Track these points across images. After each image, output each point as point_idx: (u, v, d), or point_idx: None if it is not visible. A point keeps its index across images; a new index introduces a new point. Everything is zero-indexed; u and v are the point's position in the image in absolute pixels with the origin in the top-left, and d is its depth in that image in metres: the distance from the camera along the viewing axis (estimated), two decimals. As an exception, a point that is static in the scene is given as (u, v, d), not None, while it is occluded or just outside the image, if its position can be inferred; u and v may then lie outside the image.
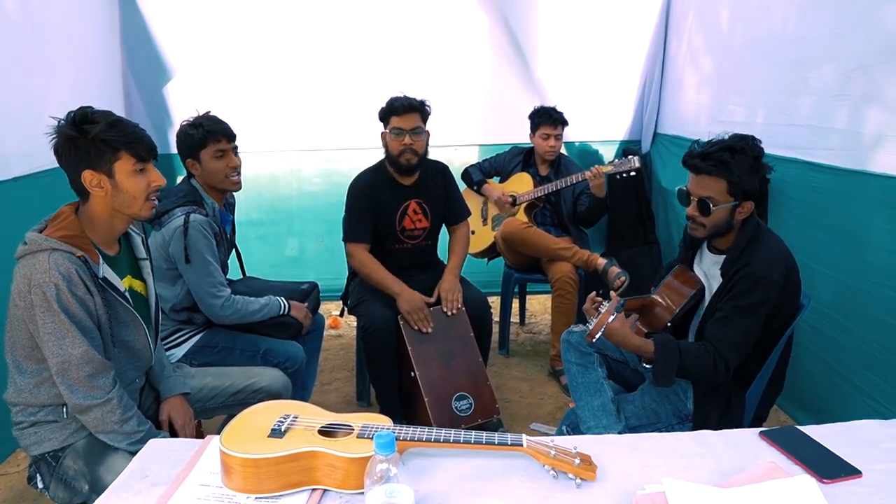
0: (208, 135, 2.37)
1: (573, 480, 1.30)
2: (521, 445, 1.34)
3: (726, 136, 2.03)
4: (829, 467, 1.35)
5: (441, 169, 3.04)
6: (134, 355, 1.84)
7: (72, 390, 1.65)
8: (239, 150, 2.48)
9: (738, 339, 1.96)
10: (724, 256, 2.07)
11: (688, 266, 2.26)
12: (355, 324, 3.14)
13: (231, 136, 2.43)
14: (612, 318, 1.94)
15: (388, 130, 2.82)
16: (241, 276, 2.80)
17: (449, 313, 2.81)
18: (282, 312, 2.53)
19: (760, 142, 2.01)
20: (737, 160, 1.95)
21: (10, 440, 1.85)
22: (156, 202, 1.76)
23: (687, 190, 2.06)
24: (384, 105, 2.84)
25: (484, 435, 1.37)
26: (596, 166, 3.41)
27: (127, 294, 1.76)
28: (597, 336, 1.95)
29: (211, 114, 2.45)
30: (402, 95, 2.82)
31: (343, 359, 3.74)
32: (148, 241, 1.99)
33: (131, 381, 1.88)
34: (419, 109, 2.80)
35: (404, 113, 2.78)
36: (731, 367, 1.96)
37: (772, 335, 2.03)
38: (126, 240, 1.87)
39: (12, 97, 2.79)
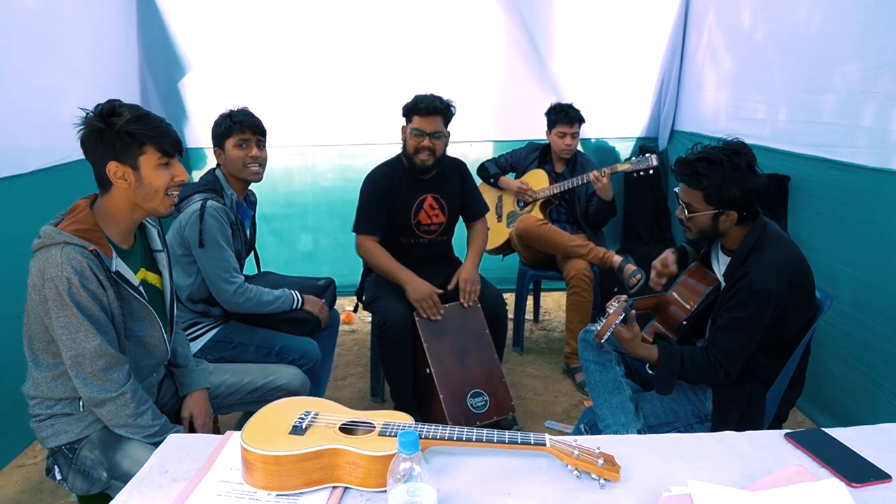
0: (234, 125, 2.42)
1: (597, 481, 1.29)
2: (545, 445, 1.33)
3: (721, 143, 2.03)
4: (858, 471, 1.32)
5: (458, 165, 3.02)
6: (149, 350, 1.84)
7: (86, 384, 1.65)
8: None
9: (736, 349, 1.98)
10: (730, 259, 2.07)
11: (704, 263, 2.24)
12: (369, 319, 3.13)
13: (256, 129, 2.46)
14: (620, 318, 1.94)
15: (409, 128, 2.80)
16: (257, 272, 2.79)
17: (466, 305, 2.80)
18: (294, 307, 2.52)
19: (750, 152, 1.99)
20: (711, 172, 1.95)
21: (27, 432, 1.86)
22: (175, 199, 1.77)
23: (677, 192, 2.09)
24: (410, 101, 2.80)
25: (507, 434, 1.36)
26: (596, 170, 3.39)
27: (141, 288, 1.76)
28: (605, 337, 1.95)
29: (247, 108, 2.49)
30: (429, 95, 2.78)
31: (357, 354, 3.74)
32: (167, 227, 1.99)
33: (148, 375, 1.88)
34: (443, 112, 2.76)
35: (427, 115, 2.74)
36: (731, 374, 1.99)
37: (792, 336, 2.01)
38: (141, 232, 1.87)
39: (29, 92, 2.80)
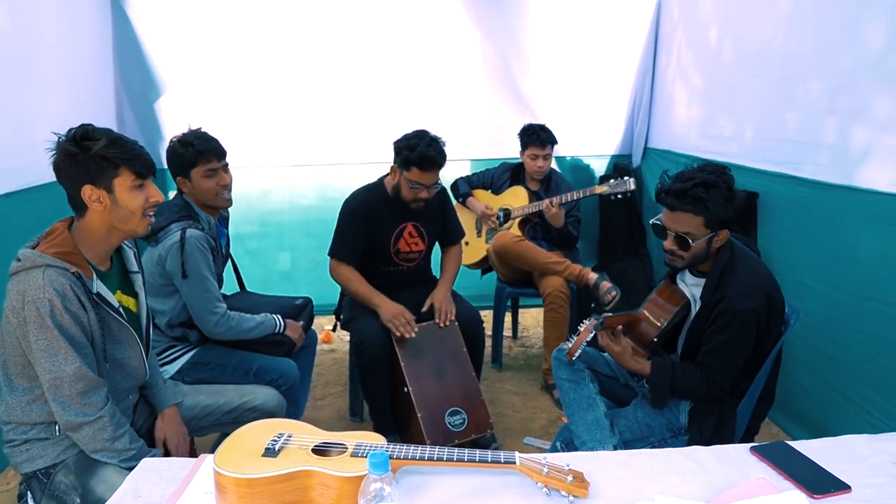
0: (199, 155, 2.35)
1: (566, 498, 1.31)
2: (514, 463, 1.35)
3: (694, 167, 2.05)
4: (819, 482, 1.36)
5: (439, 191, 2.98)
6: (127, 372, 1.84)
7: (64, 407, 1.65)
8: (231, 166, 2.47)
9: (728, 367, 2.04)
10: (703, 280, 2.11)
11: (673, 282, 2.29)
12: (348, 338, 3.14)
13: (221, 154, 2.41)
14: (590, 335, 1.98)
15: (405, 176, 2.71)
16: (239, 290, 2.79)
17: (442, 325, 2.81)
18: (277, 331, 2.53)
19: (730, 170, 2.03)
20: (711, 195, 1.96)
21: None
22: (152, 218, 1.78)
23: (663, 224, 2.06)
24: (409, 146, 2.68)
25: (477, 453, 1.38)
26: (547, 200, 3.45)
27: (121, 309, 1.77)
28: (576, 354, 1.98)
29: (201, 130, 2.43)
30: (428, 144, 2.68)
31: (336, 374, 3.74)
32: (142, 257, 1.99)
33: (124, 398, 1.87)
34: (442, 165, 2.72)
35: (429, 169, 2.69)
36: (725, 387, 2.05)
37: (761, 351, 2.06)
38: (117, 254, 1.87)
39: (2, 114, 2.79)
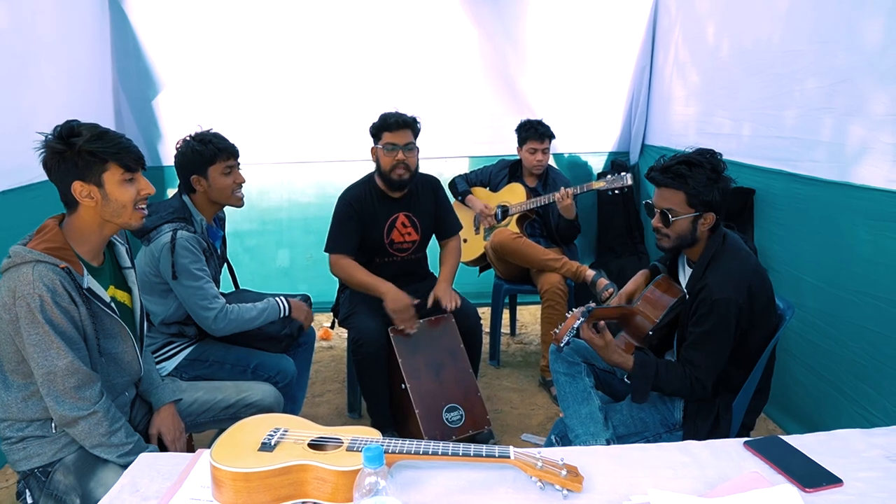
0: (219, 152, 2.39)
1: (560, 492, 1.32)
2: (509, 457, 1.36)
3: (690, 151, 2.10)
4: (811, 476, 1.37)
5: (432, 182, 3.05)
6: (122, 367, 1.84)
7: (58, 402, 1.65)
8: (231, 164, 2.49)
9: (708, 363, 2.02)
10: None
11: (671, 275, 2.30)
12: (346, 335, 3.15)
13: (237, 154, 2.46)
14: (578, 322, 2.00)
15: (380, 146, 2.83)
16: (234, 290, 2.80)
17: (450, 308, 2.84)
18: (282, 315, 2.51)
19: (721, 156, 2.07)
20: (694, 173, 2.01)
21: (-2, 455, 1.85)
22: (145, 211, 1.79)
23: (651, 203, 2.12)
24: (376, 121, 2.85)
25: (472, 447, 1.38)
26: (563, 189, 3.44)
27: (112, 304, 1.77)
28: (563, 341, 2.00)
29: (213, 131, 2.46)
30: (394, 111, 2.84)
31: (334, 370, 3.75)
32: (136, 256, 1.99)
33: (120, 394, 1.88)
34: (411, 125, 2.82)
35: (397, 129, 2.79)
36: (708, 386, 2.03)
37: (757, 346, 2.07)
38: (109, 250, 1.88)
39: (0, 111, 2.79)
